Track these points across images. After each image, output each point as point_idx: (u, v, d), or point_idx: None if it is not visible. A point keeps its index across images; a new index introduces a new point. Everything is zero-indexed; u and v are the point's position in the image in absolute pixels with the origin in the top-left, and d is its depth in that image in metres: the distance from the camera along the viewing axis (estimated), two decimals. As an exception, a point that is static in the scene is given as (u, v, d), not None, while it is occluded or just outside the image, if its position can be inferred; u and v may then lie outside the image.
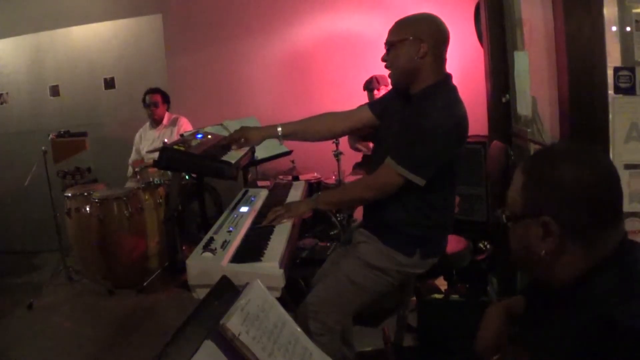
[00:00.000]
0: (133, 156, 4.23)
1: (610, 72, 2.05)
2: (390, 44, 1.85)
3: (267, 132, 2.10)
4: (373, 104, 2.09)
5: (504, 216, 1.05)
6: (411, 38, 1.79)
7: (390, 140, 1.88)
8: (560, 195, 0.96)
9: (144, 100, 4.12)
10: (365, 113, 2.08)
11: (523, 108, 3.01)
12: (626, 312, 0.84)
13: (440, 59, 1.85)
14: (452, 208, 1.99)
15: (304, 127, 2.14)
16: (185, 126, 4.09)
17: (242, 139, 2.09)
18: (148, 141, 4.17)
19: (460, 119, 1.80)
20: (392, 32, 1.86)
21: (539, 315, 1.04)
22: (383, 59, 1.89)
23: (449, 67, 1.86)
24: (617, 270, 0.92)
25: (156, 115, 4.14)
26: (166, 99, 4.19)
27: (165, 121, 4.17)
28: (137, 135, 4.26)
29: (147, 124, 4.23)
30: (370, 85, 3.79)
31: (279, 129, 2.07)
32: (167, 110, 4.21)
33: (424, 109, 1.77)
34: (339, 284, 1.89)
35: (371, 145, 3.90)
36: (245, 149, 2.23)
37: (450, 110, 1.78)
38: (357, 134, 3.97)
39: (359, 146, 4.02)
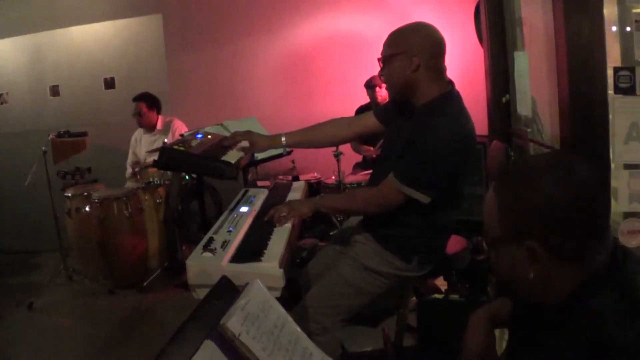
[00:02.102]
0: (130, 158, 4.22)
1: (610, 72, 2.04)
2: (383, 59, 1.80)
3: (272, 143, 2.09)
4: (379, 111, 2.07)
5: (484, 243, 1.02)
6: (402, 52, 1.73)
7: (394, 154, 1.84)
8: (539, 217, 0.89)
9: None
10: (371, 120, 2.06)
11: (523, 108, 3.01)
12: (624, 333, 0.80)
13: (437, 70, 1.77)
14: (454, 219, 1.97)
15: (308, 136, 2.13)
16: (180, 128, 4.05)
17: (247, 143, 2.09)
18: (144, 146, 4.14)
19: (465, 134, 1.74)
20: (385, 46, 1.81)
21: (530, 337, 0.99)
22: (380, 74, 1.85)
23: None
24: (612, 287, 0.88)
25: (144, 124, 4.07)
26: (152, 104, 4.07)
27: (159, 125, 4.12)
28: (133, 139, 4.23)
29: None
30: (371, 82, 3.79)
31: (283, 139, 2.07)
32: (159, 113, 4.13)
33: (428, 126, 1.71)
34: (336, 286, 1.89)
35: (371, 149, 3.91)
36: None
37: (455, 126, 1.71)
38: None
39: (361, 149, 4.03)
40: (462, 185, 1.89)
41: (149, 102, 4.05)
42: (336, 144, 2.30)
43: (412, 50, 1.72)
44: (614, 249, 0.92)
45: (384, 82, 1.89)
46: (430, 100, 1.77)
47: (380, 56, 1.82)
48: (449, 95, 1.78)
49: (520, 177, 0.94)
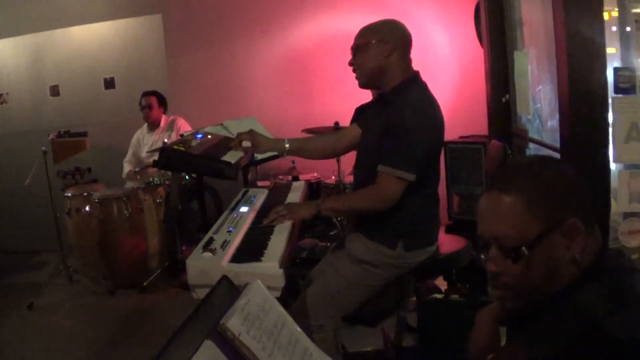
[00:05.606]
0: (128, 158, 4.23)
1: (610, 72, 2.05)
2: (356, 48, 1.95)
3: (275, 145, 2.15)
4: (359, 119, 2.17)
5: (512, 254, 0.95)
6: (376, 40, 1.89)
7: (371, 144, 1.96)
8: (571, 192, 0.96)
9: (140, 103, 4.10)
10: (356, 130, 2.14)
11: (523, 108, 3.02)
12: (615, 323, 0.83)
13: (406, 59, 1.94)
14: (435, 203, 2.03)
15: (306, 146, 2.23)
16: (184, 127, 4.07)
17: (250, 144, 2.12)
18: (147, 145, 4.15)
19: (432, 112, 1.88)
20: (357, 37, 1.96)
21: (524, 328, 1.02)
22: (350, 63, 1.98)
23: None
24: (605, 279, 0.91)
25: (151, 118, 4.11)
26: (162, 102, 4.13)
27: (162, 124, 4.15)
28: (135, 138, 4.24)
29: (145, 126, 4.21)
30: None
31: (287, 145, 2.13)
32: (164, 113, 4.18)
33: (398, 106, 1.85)
34: (331, 282, 1.94)
35: None
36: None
37: (422, 105, 1.86)
38: None
39: None
40: (435, 166, 1.97)
41: (159, 98, 4.12)
42: (330, 157, 2.37)
43: (386, 38, 1.89)
44: (603, 246, 0.97)
45: (354, 71, 1.99)
46: (397, 85, 1.91)
47: (352, 46, 1.96)
48: (413, 80, 1.93)
49: (531, 169, 0.99)
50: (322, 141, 2.26)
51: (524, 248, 0.93)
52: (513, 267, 0.96)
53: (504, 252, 0.97)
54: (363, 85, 2.02)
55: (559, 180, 0.97)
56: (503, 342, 1.17)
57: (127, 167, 4.17)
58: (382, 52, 1.88)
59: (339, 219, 3.60)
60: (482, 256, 1.03)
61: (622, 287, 0.90)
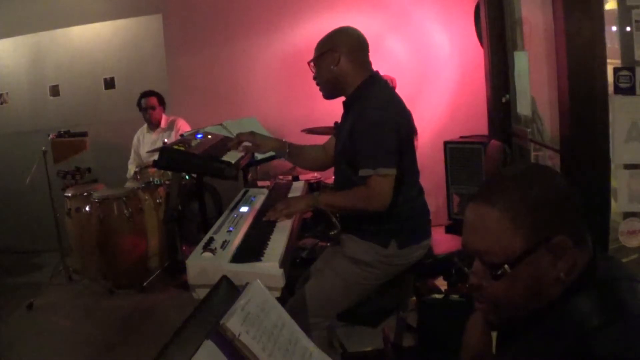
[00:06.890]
0: (132, 159, 4.23)
1: (610, 72, 2.05)
2: (313, 62, 2.01)
3: (277, 145, 2.17)
4: (335, 130, 2.19)
5: (493, 271, 0.91)
6: (326, 51, 1.94)
7: (341, 148, 1.99)
8: (561, 207, 0.91)
9: (139, 104, 4.09)
10: (335, 141, 2.16)
11: (523, 108, 3.02)
12: (602, 340, 0.80)
13: (360, 63, 1.96)
14: (420, 195, 2.04)
15: (301, 153, 2.24)
16: (184, 127, 4.07)
17: (251, 144, 2.14)
18: (147, 145, 4.16)
19: (394, 105, 1.90)
20: (314, 51, 2.00)
21: (513, 339, 0.99)
22: (313, 78, 2.03)
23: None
24: (594, 291, 0.88)
25: (154, 119, 4.11)
26: (162, 101, 4.14)
27: (163, 124, 4.15)
28: (135, 139, 4.24)
29: (145, 126, 4.21)
30: None
31: (287, 148, 2.15)
32: (164, 112, 4.18)
33: (359, 108, 1.88)
34: (329, 281, 1.95)
35: None
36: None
37: (382, 101, 1.88)
38: None
39: None
40: (411, 158, 1.97)
41: (159, 98, 4.11)
42: (321, 169, 2.38)
43: (333, 46, 1.93)
44: (593, 253, 0.94)
45: (317, 85, 2.04)
46: (356, 88, 1.95)
47: (309, 62, 2.01)
48: (371, 80, 1.95)
49: (519, 181, 0.93)
50: (314, 153, 2.28)
51: (506, 266, 0.90)
52: (495, 282, 0.93)
53: (486, 267, 0.94)
54: (326, 96, 2.05)
55: (549, 194, 0.91)
56: (494, 347, 1.17)
57: (131, 168, 4.17)
58: (332, 61, 1.92)
59: (338, 217, 3.60)
60: (465, 269, 1.01)
61: (612, 299, 0.86)
